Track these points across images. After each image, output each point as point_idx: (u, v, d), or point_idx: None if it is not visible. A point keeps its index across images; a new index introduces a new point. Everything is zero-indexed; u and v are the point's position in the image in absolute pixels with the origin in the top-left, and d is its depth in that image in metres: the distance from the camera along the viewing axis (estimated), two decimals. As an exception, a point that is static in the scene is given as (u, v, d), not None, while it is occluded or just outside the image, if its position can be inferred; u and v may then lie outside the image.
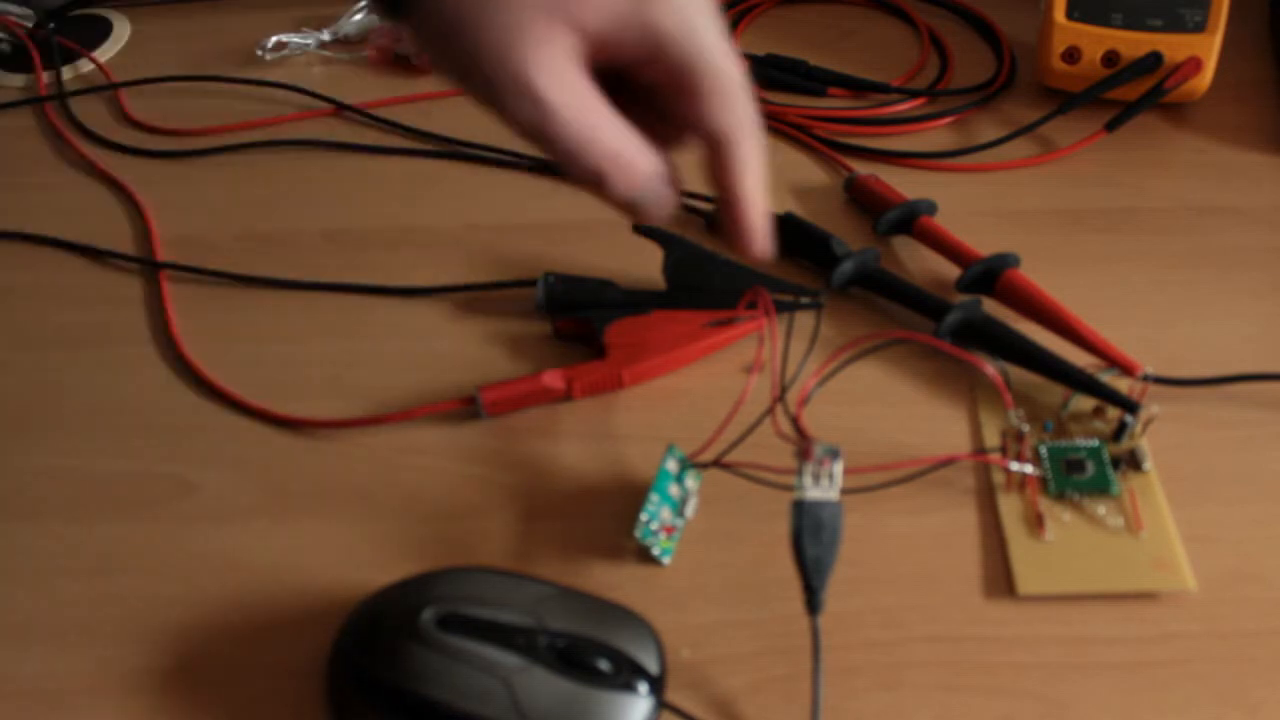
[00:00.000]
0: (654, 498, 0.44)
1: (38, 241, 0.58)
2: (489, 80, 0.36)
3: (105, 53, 0.74)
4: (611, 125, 0.38)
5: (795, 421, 0.41)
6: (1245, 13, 0.71)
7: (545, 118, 0.36)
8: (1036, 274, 0.52)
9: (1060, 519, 0.44)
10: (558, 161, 0.38)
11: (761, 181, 0.40)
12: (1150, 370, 0.48)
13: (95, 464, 0.48)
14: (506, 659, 0.37)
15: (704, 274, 0.53)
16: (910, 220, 0.56)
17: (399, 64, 0.71)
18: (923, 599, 0.42)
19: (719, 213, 0.41)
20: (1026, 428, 0.47)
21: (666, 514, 0.44)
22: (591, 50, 0.37)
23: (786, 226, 0.56)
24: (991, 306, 0.52)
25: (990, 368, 0.46)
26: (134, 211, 0.60)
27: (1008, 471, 0.46)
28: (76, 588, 0.43)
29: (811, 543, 0.38)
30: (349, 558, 0.44)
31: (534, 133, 0.37)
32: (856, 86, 0.67)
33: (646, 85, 0.39)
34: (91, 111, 0.68)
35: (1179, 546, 0.43)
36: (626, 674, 0.38)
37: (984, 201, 0.59)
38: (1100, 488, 0.45)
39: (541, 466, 0.47)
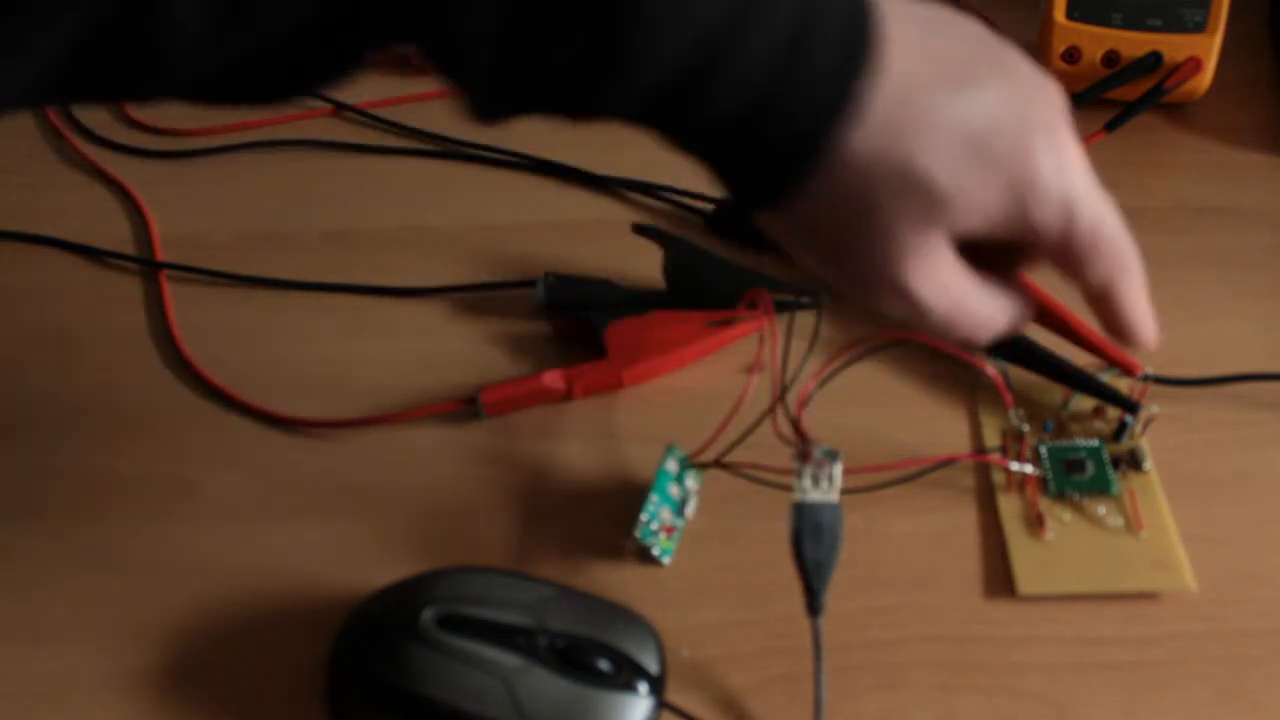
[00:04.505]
0: (654, 498, 0.44)
1: (38, 241, 0.58)
2: (863, 280, 0.36)
3: (105, 53, 0.74)
4: (977, 299, 0.37)
5: (795, 422, 0.41)
6: (1245, 13, 0.71)
7: (920, 315, 0.36)
8: (1036, 274, 0.52)
9: (1060, 519, 0.44)
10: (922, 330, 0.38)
11: (1144, 302, 0.38)
12: (1150, 370, 0.48)
13: (95, 464, 0.48)
14: (506, 659, 0.37)
15: (704, 274, 0.53)
16: (910, 220, 0.56)
17: (398, 64, 0.71)
18: (923, 599, 0.42)
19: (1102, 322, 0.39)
20: (1026, 428, 0.47)
21: (666, 514, 0.44)
22: (963, 237, 0.36)
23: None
24: (991, 306, 0.52)
25: (990, 368, 0.46)
26: (134, 211, 0.60)
27: (1008, 471, 0.46)
28: (76, 588, 0.43)
29: (811, 545, 0.38)
30: (349, 558, 0.44)
31: (906, 322, 0.37)
32: (857, 86, 0.67)
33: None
34: (91, 112, 0.68)
35: (1179, 546, 0.43)
36: (627, 674, 0.38)
37: (984, 201, 0.59)
38: (1100, 488, 0.45)
39: (541, 466, 0.47)
